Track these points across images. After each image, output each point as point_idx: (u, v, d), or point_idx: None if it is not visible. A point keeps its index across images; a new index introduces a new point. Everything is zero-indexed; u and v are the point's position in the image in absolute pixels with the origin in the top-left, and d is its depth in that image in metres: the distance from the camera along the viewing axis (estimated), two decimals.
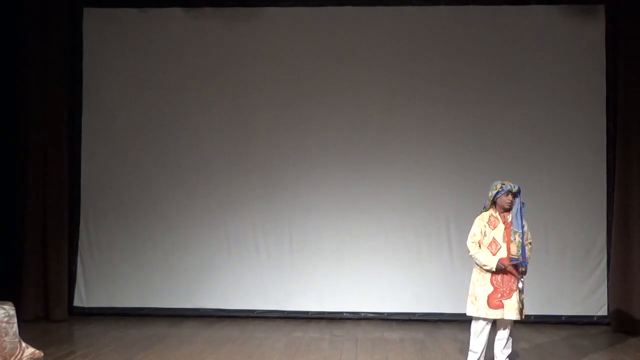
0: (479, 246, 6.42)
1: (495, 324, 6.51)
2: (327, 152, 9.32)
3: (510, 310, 6.38)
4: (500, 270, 6.35)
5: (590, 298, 9.03)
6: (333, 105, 9.32)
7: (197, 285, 9.30)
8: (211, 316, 9.20)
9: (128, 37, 9.49)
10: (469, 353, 6.55)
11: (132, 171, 9.45)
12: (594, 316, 8.98)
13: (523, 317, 6.41)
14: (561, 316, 8.97)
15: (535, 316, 8.49)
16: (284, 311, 9.23)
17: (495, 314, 6.37)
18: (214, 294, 9.29)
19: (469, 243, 6.47)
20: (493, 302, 6.36)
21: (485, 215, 6.50)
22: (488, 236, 6.43)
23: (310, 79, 9.36)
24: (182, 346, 7.56)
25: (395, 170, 9.24)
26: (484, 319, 6.43)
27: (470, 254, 6.46)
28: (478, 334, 6.48)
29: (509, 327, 6.53)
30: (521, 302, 6.38)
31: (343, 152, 9.31)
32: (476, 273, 6.48)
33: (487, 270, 6.38)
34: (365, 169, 9.27)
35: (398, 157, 9.25)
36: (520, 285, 6.39)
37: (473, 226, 6.50)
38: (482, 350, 6.50)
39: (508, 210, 6.48)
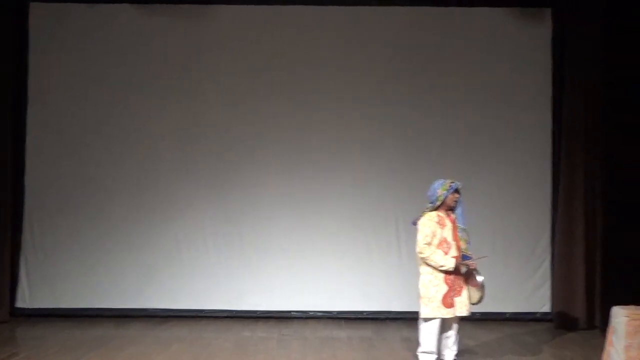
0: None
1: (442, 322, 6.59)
2: (277, 151, 9.31)
3: (461, 307, 6.48)
4: (456, 269, 6.42)
5: (534, 295, 9.23)
6: (284, 104, 9.32)
7: (145, 285, 9.20)
8: (159, 316, 9.11)
9: (76, 33, 9.30)
10: (424, 355, 6.54)
11: (79, 171, 9.29)
12: (537, 313, 9.19)
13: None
14: (506, 313, 9.14)
15: (481, 313, 8.61)
16: (232, 310, 9.19)
17: (450, 312, 6.42)
18: (162, 293, 9.20)
19: (422, 245, 6.39)
20: (447, 300, 6.41)
21: (434, 215, 6.49)
22: (438, 236, 6.42)
23: (262, 78, 9.33)
24: (129, 347, 7.48)
25: (344, 169, 9.30)
26: (438, 319, 6.46)
27: (424, 256, 6.40)
28: (432, 335, 6.48)
29: (457, 324, 6.64)
30: (481, 298, 6.50)
31: (293, 152, 9.31)
32: (427, 274, 6.46)
33: (443, 271, 6.41)
34: (315, 169, 9.30)
35: (348, 157, 9.30)
36: (480, 279, 6.46)
37: (423, 228, 6.43)
38: (437, 350, 6.56)
39: (453, 208, 6.57)
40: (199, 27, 9.32)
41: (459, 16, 9.35)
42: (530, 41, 9.28)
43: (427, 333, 6.51)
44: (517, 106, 9.29)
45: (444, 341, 6.63)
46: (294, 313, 9.23)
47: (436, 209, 6.51)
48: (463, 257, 6.49)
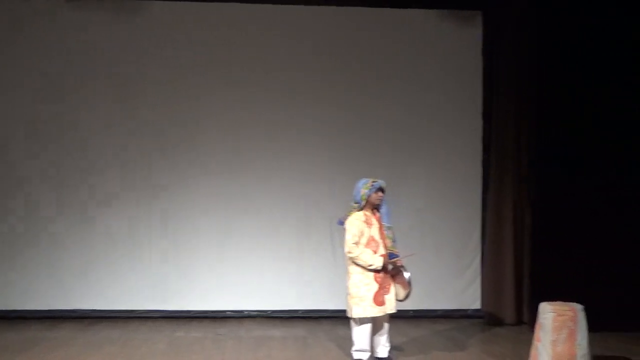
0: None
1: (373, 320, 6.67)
2: (210, 149, 9.24)
3: (390, 305, 6.60)
4: (384, 267, 6.51)
5: (465, 292, 9.43)
6: (216, 102, 9.24)
7: (75, 285, 9.00)
8: (90, 317, 8.93)
9: (7, 27, 9.01)
10: (358, 353, 6.62)
11: (4, 168, 9.02)
12: (468, 310, 9.39)
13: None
14: (437, 310, 9.31)
15: (414, 311, 8.78)
16: (165, 311, 9.08)
17: (381, 310, 6.53)
18: (93, 294, 9.01)
19: (350, 245, 6.47)
20: (378, 299, 6.50)
21: (360, 214, 6.58)
22: (366, 235, 6.52)
23: (194, 76, 9.22)
24: (58, 349, 7.31)
25: (277, 168, 9.29)
26: (371, 318, 6.55)
27: (352, 255, 6.48)
28: (365, 334, 6.57)
29: (387, 321, 6.74)
30: (408, 295, 6.64)
31: (226, 150, 9.26)
32: (357, 274, 6.54)
33: (372, 270, 6.50)
34: (248, 167, 9.26)
35: (280, 155, 9.30)
36: (407, 275, 6.60)
37: (351, 227, 6.51)
38: (370, 348, 6.65)
39: (378, 207, 6.65)
40: (132, 23, 9.14)
41: (391, 17, 9.44)
42: (462, 43, 9.47)
43: (361, 332, 6.58)
44: (448, 106, 9.46)
45: (377, 339, 6.72)
46: (229, 313, 9.18)
47: (362, 208, 6.60)
48: (390, 256, 6.61)
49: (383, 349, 6.74)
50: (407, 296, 6.67)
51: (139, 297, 9.07)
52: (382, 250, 6.56)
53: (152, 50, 9.19)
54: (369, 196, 6.55)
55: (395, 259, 6.61)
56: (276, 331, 8.48)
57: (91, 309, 9.00)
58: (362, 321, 6.55)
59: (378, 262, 6.48)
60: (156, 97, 9.19)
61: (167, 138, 9.19)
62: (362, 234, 6.50)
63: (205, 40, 9.25)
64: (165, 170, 9.18)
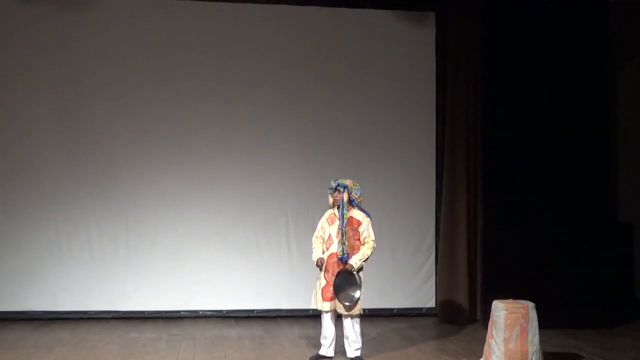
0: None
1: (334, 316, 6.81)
2: (164, 146, 9.11)
3: (340, 304, 6.70)
4: (318, 266, 6.76)
5: (420, 291, 9.51)
6: (171, 99, 9.12)
7: (24, 286, 8.79)
8: (40, 319, 8.74)
9: None
10: (321, 341, 6.89)
11: None
12: (422, 308, 9.47)
13: (351, 311, 6.66)
14: (393, 309, 9.37)
15: (370, 309, 8.79)
16: (119, 311, 8.94)
17: (327, 306, 6.72)
18: (43, 294, 8.82)
19: (313, 238, 6.89)
20: (326, 294, 6.72)
21: (329, 212, 6.87)
22: (327, 232, 6.81)
23: (148, 71, 9.10)
24: (7, 351, 7.15)
25: (234, 167, 9.23)
26: (321, 310, 6.77)
27: (312, 248, 6.87)
28: (323, 324, 6.82)
29: (351, 320, 6.75)
30: (349, 308, 6.66)
31: (181, 148, 9.15)
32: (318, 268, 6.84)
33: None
34: (204, 166, 9.18)
35: (238, 154, 9.24)
36: (357, 280, 6.67)
37: (319, 223, 6.92)
38: (331, 340, 6.79)
39: (339, 207, 6.77)
40: (80, 17, 8.96)
41: (347, 17, 9.46)
42: (416, 43, 9.55)
43: (322, 322, 6.83)
44: (402, 106, 9.53)
45: (344, 339, 6.83)
46: (183, 313, 9.08)
47: (332, 206, 6.88)
48: (342, 257, 6.67)
49: (348, 349, 6.83)
50: (349, 309, 6.65)
51: (90, 298, 8.91)
52: (333, 248, 6.72)
53: (102, 44, 9.00)
54: (330, 196, 6.85)
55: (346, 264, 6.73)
56: (232, 331, 8.42)
57: (41, 310, 8.81)
58: (319, 312, 6.82)
59: (313, 258, 6.84)
60: (106, 92, 8.99)
61: (118, 135, 9.03)
62: (323, 229, 6.85)
63: (157, 35, 9.10)
64: (118, 168, 9.01)
